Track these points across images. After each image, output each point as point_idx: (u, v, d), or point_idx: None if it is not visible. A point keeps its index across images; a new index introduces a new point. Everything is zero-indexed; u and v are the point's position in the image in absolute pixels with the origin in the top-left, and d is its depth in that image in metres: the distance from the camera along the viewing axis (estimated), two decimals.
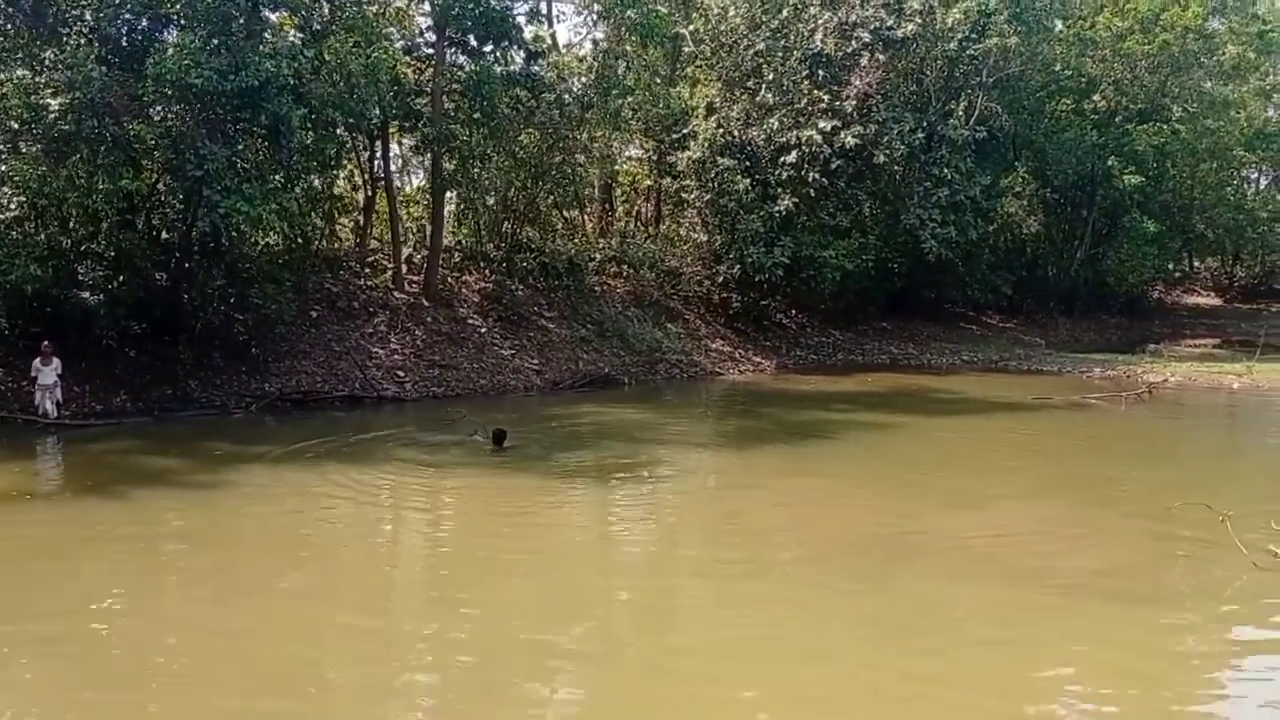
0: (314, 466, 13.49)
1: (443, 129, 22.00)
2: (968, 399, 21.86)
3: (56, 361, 16.52)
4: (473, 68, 22.62)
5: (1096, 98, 35.50)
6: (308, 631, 7.83)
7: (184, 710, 6.41)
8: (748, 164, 27.16)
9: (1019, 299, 37.02)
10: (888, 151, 27.26)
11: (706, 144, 26.92)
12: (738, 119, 27.20)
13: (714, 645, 7.77)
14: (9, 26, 16.37)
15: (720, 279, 28.56)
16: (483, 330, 23.36)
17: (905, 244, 30.01)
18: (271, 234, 19.73)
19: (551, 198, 27.25)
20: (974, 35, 28.65)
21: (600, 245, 28.73)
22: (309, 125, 18.90)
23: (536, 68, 24.09)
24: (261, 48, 17.05)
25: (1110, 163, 33.96)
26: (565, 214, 30.03)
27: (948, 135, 28.58)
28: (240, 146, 17.60)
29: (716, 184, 27.20)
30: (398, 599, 9.09)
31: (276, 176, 18.89)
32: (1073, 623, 8.13)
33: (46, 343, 16.43)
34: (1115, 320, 40.84)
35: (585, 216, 31.57)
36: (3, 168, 15.37)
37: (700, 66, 28.91)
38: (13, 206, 15.58)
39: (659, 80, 29.55)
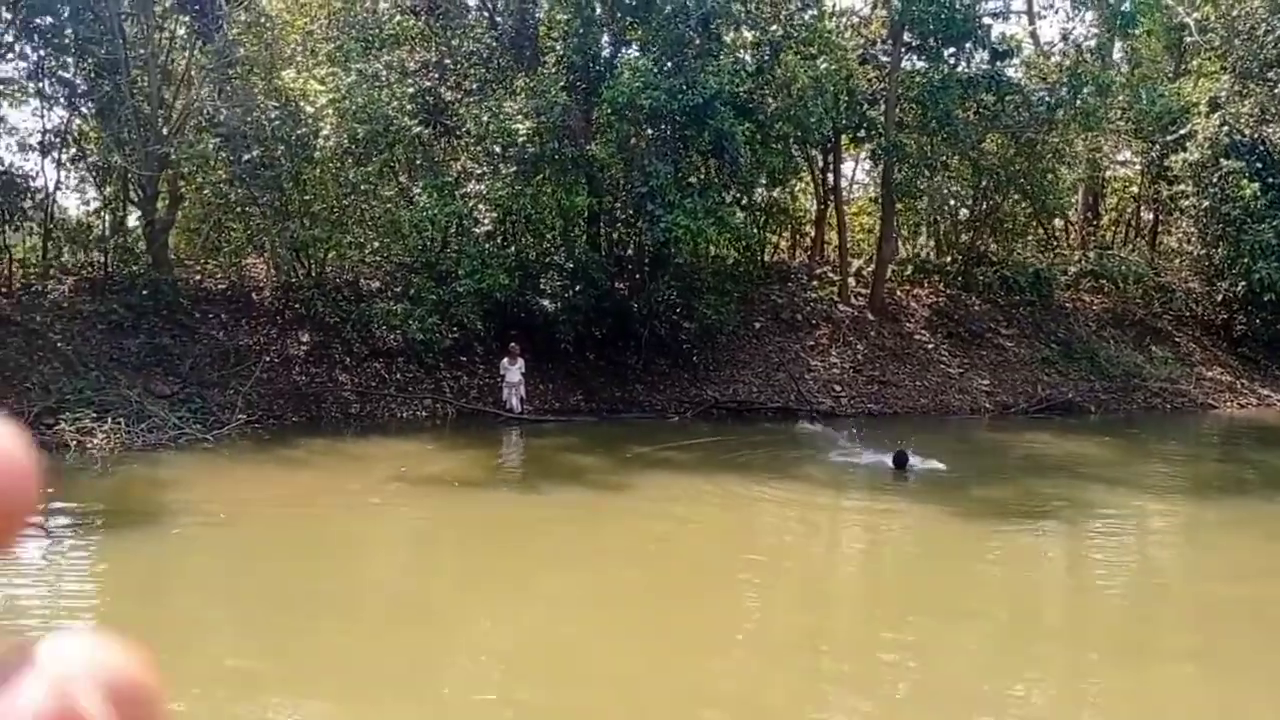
0: (733, 476, 13.45)
1: (894, 138, 21.23)
2: None
3: (521, 361, 18.26)
4: (931, 73, 21.59)
5: None
6: (729, 653, 7.75)
7: None
8: (1259, 166, 23.23)
9: None
10: None
11: (1208, 144, 23.42)
12: (1249, 115, 23.37)
13: None
14: (493, 61, 18.32)
15: (1220, 297, 24.74)
16: (930, 346, 22.24)
17: None
18: (719, 247, 20.24)
19: (1018, 207, 25.32)
20: None
21: (1075, 258, 26.14)
22: (755, 140, 19.17)
23: (1009, 69, 22.49)
24: (708, 66, 17.56)
25: None
26: (1043, 224, 27.75)
27: None
28: (685, 162, 18.23)
29: (1219, 189, 23.58)
30: (826, 627, 8.63)
31: (728, 193, 19.45)
32: None
33: (514, 344, 18.24)
34: None
35: (1070, 225, 28.98)
36: (481, 187, 17.23)
37: (1207, 58, 25.24)
38: (486, 222, 17.44)
39: (1163, 75, 26.25)
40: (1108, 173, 28.61)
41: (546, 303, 18.37)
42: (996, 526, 11.42)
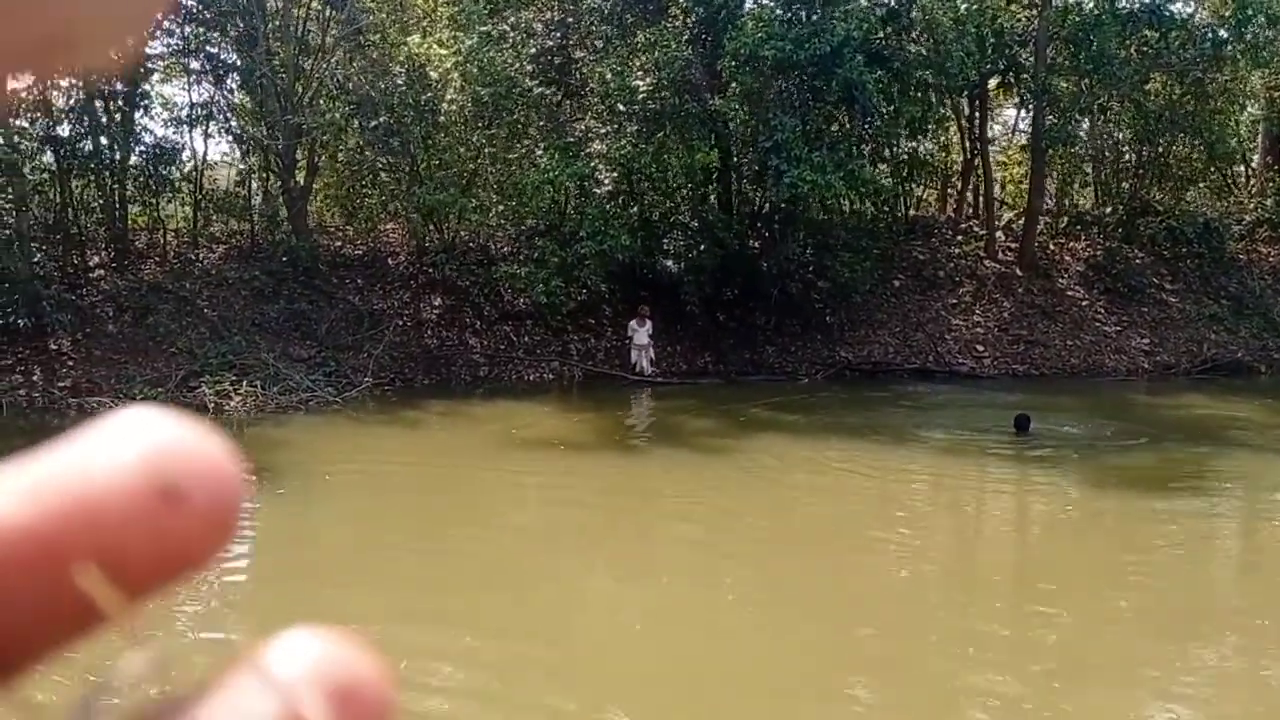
0: (855, 441, 12.90)
1: (1044, 81, 19.88)
2: None
3: (650, 323, 18.07)
4: (1086, 8, 20.09)
5: None
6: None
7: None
8: None
9: None
10: None
11: None
12: None
13: None
14: (615, 17, 17.97)
15: None
16: (1084, 303, 20.89)
17: None
18: (851, 202, 19.46)
19: (1192, 152, 23.43)
20: None
21: (1252, 206, 24.08)
22: (891, 89, 18.28)
23: (1174, 2, 20.73)
24: (836, 12, 16.79)
25: None
26: (1221, 170, 25.63)
27: None
28: (814, 114, 17.52)
29: None
30: (965, 605, 8.08)
31: (862, 146, 18.67)
32: None
33: (642, 305, 18.05)
34: None
35: (1249, 172, 26.73)
36: (603, 147, 17.02)
37: None
38: (606, 182, 17.24)
39: None
40: None
41: (670, 263, 18.08)
42: (1138, 497, 10.57)
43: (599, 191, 17.43)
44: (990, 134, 25.36)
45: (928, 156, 23.22)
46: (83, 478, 0.25)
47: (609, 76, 17.28)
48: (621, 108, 17.61)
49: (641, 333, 18.05)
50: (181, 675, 0.25)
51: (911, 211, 23.66)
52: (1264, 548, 9.85)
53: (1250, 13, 19.08)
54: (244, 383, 15.15)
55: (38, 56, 0.25)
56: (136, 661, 0.25)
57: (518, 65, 17.25)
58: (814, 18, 17.17)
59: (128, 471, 0.26)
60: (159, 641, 0.24)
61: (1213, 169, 24.93)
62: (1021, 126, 26.22)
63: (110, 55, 0.26)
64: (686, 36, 17.41)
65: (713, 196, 19.42)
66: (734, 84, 17.02)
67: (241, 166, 20.63)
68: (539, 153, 17.52)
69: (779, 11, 17.19)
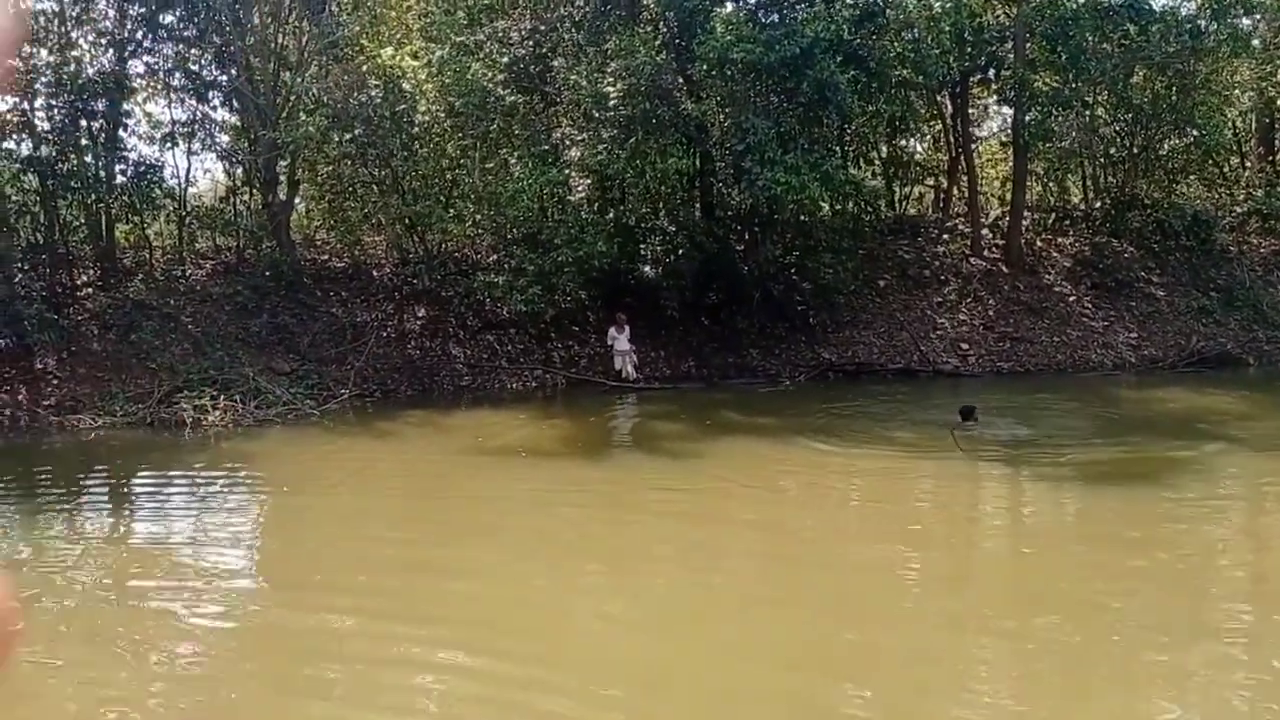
0: (819, 441, 12.81)
1: (1021, 76, 19.83)
2: None
3: (628, 329, 18.09)
4: (1067, 3, 20.00)
5: None
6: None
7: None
8: None
9: None
10: None
11: None
12: None
13: None
14: (586, 24, 18.03)
15: None
16: (1071, 299, 20.80)
17: None
18: (827, 203, 19.40)
19: (1180, 144, 23.30)
20: None
21: (1242, 197, 23.93)
22: (869, 88, 18.25)
23: None
24: (806, 14, 16.81)
25: None
26: (1217, 162, 25.44)
27: None
28: (787, 116, 17.50)
29: None
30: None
31: (838, 146, 18.66)
32: None
33: (620, 313, 18.07)
34: None
35: (1245, 163, 26.54)
36: (578, 154, 17.06)
37: None
38: (580, 189, 17.27)
39: None
40: None
41: (647, 269, 18.11)
42: (1121, 492, 10.35)
43: (573, 199, 17.46)
44: (984, 132, 25.32)
45: (915, 155, 23.19)
46: None
47: (583, 83, 17.32)
48: (595, 114, 17.63)
49: (622, 339, 18.07)
50: None
51: (908, 210, 23.64)
52: (1262, 541, 9.75)
53: (1227, 2, 18.97)
54: (222, 397, 15.26)
55: None
56: None
57: (491, 75, 17.31)
58: (787, 20, 17.18)
59: None
60: None
61: (1210, 162, 24.68)
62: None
63: None
64: (659, 42, 17.43)
65: (690, 201, 19.42)
66: (706, 88, 17.04)
67: (226, 182, 20.77)
68: (513, 161, 17.58)
69: (748, 16, 17.16)
